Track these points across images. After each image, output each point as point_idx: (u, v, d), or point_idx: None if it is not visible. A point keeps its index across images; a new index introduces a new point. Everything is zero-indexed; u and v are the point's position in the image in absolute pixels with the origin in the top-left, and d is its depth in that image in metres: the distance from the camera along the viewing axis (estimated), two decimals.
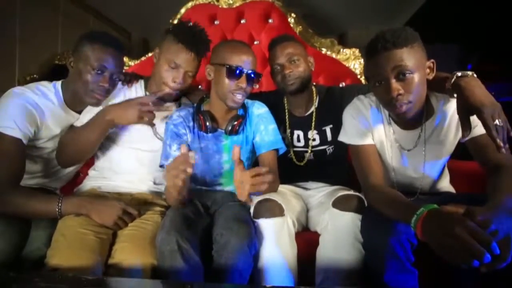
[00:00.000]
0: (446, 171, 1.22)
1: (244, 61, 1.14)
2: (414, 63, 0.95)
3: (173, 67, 1.21)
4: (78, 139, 1.18)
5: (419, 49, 0.97)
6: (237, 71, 1.13)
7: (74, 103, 1.22)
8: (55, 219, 1.07)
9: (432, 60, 1.01)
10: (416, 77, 0.96)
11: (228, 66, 1.13)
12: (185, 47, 1.20)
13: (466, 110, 0.89)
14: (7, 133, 1.05)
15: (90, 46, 1.13)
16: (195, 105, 1.29)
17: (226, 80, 1.15)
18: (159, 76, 1.23)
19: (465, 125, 0.90)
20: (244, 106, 1.28)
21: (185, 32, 1.22)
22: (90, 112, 1.23)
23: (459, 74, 0.94)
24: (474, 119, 1.01)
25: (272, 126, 1.28)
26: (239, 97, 1.16)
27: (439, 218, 0.76)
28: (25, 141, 1.09)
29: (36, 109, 1.12)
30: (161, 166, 1.22)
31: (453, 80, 0.94)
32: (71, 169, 1.32)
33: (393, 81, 0.95)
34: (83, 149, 1.20)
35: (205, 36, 1.26)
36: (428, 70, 1.00)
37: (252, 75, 1.16)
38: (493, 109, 0.84)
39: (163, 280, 0.97)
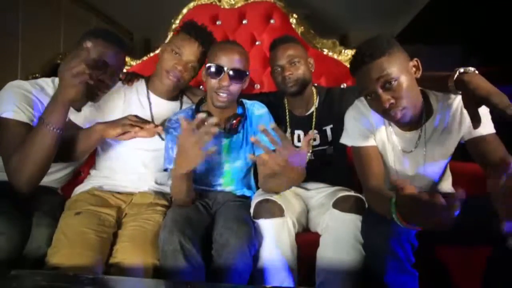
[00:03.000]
0: (448, 173, 1.22)
1: (225, 60, 1.13)
2: (397, 69, 0.95)
3: (176, 52, 1.23)
4: (68, 146, 1.17)
5: (398, 53, 0.97)
6: (216, 69, 1.13)
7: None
8: (57, 217, 1.08)
9: (415, 59, 1.00)
10: (403, 81, 0.96)
11: (208, 66, 1.14)
12: (189, 36, 1.24)
13: (473, 103, 0.89)
14: (12, 118, 1.07)
15: (93, 41, 1.14)
16: (193, 106, 1.29)
17: (209, 79, 1.15)
18: (160, 66, 1.26)
19: (475, 117, 0.89)
20: (243, 105, 1.28)
21: (191, 24, 1.29)
22: (90, 107, 1.25)
23: (461, 70, 0.94)
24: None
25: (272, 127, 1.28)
26: (223, 96, 1.15)
27: (406, 199, 0.77)
28: (32, 124, 1.10)
29: (36, 100, 1.14)
30: (165, 170, 1.23)
31: (455, 76, 0.94)
32: (69, 170, 1.33)
33: (381, 91, 0.96)
34: (71, 155, 1.19)
35: (211, 33, 1.30)
36: (414, 69, 1.00)
37: (234, 73, 1.13)
38: (501, 97, 0.83)
39: (163, 279, 0.97)
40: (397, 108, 0.96)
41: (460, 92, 0.96)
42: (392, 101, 0.95)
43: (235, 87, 1.16)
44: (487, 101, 0.85)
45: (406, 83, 0.96)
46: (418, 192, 0.74)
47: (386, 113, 0.99)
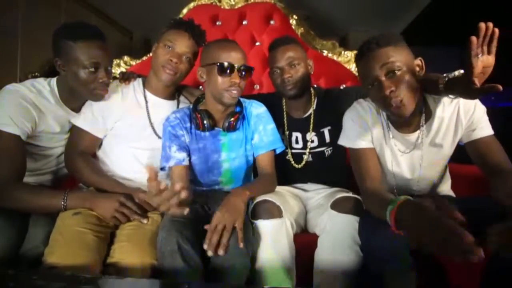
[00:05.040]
0: (448, 175, 1.22)
1: (233, 57, 1.15)
2: (402, 60, 0.97)
3: (169, 46, 1.24)
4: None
5: (404, 48, 1.00)
6: (229, 68, 1.14)
7: (71, 101, 1.22)
8: (53, 217, 1.08)
9: (419, 58, 1.02)
10: (406, 74, 0.97)
11: (219, 64, 1.14)
12: (179, 28, 1.26)
13: (469, 90, 0.84)
14: (5, 130, 1.05)
15: (74, 46, 1.10)
16: (191, 106, 1.30)
17: (219, 78, 1.15)
18: (156, 63, 1.26)
19: (483, 91, 0.83)
20: (240, 104, 1.29)
21: (178, 20, 1.32)
22: (88, 107, 1.25)
23: (450, 76, 0.93)
24: (474, 121, 1.01)
25: (271, 125, 1.29)
26: (235, 92, 1.17)
27: (409, 208, 0.78)
28: (23, 137, 1.08)
29: (32, 106, 1.12)
30: (162, 168, 1.23)
31: (444, 82, 0.94)
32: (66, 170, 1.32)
33: (384, 79, 0.97)
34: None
35: (199, 25, 1.30)
36: (417, 68, 1.01)
37: (244, 70, 1.16)
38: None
39: (160, 279, 0.96)
40: (396, 97, 0.97)
41: (452, 96, 0.96)
42: (393, 88, 0.96)
43: (243, 84, 1.19)
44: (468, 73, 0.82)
45: (409, 77, 0.97)
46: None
47: (385, 103, 0.99)
